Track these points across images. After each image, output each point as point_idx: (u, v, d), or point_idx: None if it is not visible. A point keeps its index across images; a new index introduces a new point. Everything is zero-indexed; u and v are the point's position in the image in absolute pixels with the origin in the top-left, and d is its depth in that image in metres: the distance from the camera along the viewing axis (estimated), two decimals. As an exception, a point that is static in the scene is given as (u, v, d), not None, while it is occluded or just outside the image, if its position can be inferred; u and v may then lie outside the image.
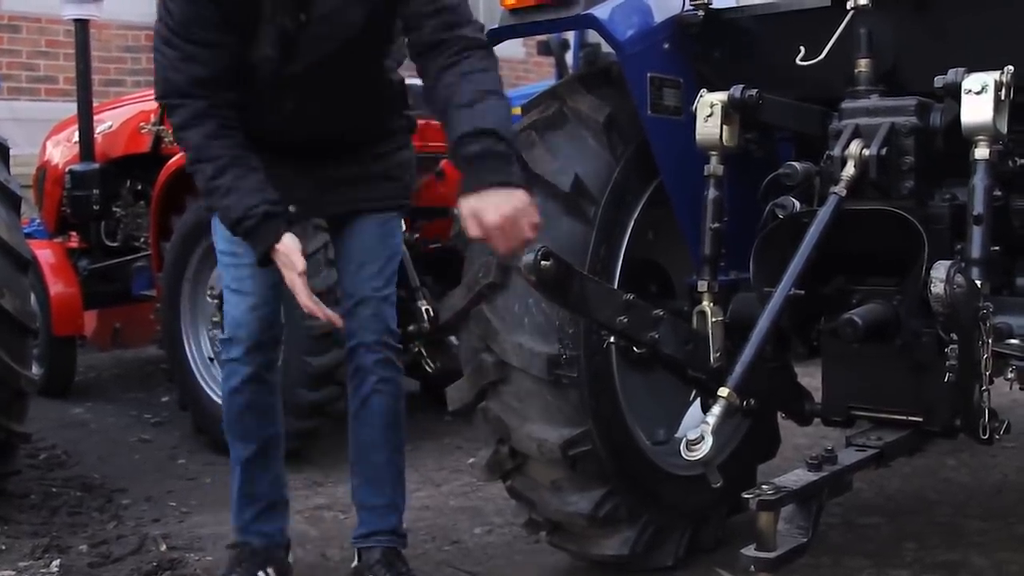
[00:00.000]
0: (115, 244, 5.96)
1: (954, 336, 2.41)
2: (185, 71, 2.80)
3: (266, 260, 2.84)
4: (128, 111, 5.97)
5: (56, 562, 3.59)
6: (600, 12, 2.98)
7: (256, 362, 3.13)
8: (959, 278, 2.19)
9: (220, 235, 3.06)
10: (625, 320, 2.67)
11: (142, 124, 5.68)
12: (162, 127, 5.56)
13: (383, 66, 3.13)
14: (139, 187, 5.83)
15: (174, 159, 5.03)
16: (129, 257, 5.85)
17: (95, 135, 5.82)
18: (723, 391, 2.46)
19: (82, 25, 5.72)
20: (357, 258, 3.18)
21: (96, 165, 5.77)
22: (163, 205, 5.14)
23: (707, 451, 2.36)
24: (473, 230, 2.48)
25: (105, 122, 5.95)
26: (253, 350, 3.11)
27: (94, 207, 5.78)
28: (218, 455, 4.48)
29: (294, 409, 4.41)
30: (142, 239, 5.74)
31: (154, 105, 5.69)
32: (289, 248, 2.80)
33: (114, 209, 5.89)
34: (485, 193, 2.49)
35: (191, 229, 4.84)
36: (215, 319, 4.81)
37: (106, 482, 4.57)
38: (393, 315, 3.23)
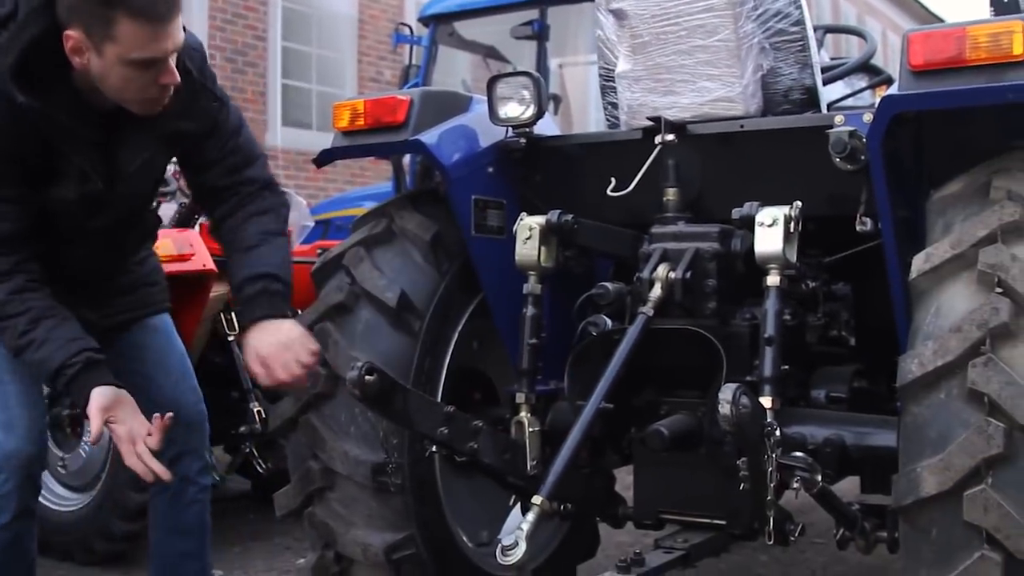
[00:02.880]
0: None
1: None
2: None
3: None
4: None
5: None
6: (427, 138, 3.15)
7: (26, 496, 2.85)
8: (744, 399, 2.38)
9: None
10: (446, 431, 2.80)
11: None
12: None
13: (155, 200, 3.16)
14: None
15: None
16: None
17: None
18: (536, 499, 2.60)
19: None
20: (161, 363, 3.11)
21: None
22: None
23: (520, 556, 2.49)
24: (255, 367, 2.67)
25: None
26: (25, 483, 2.83)
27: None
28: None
29: (121, 511, 4.40)
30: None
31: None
32: (98, 410, 2.56)
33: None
34: (256, 328, 2.72)
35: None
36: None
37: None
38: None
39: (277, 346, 2.67)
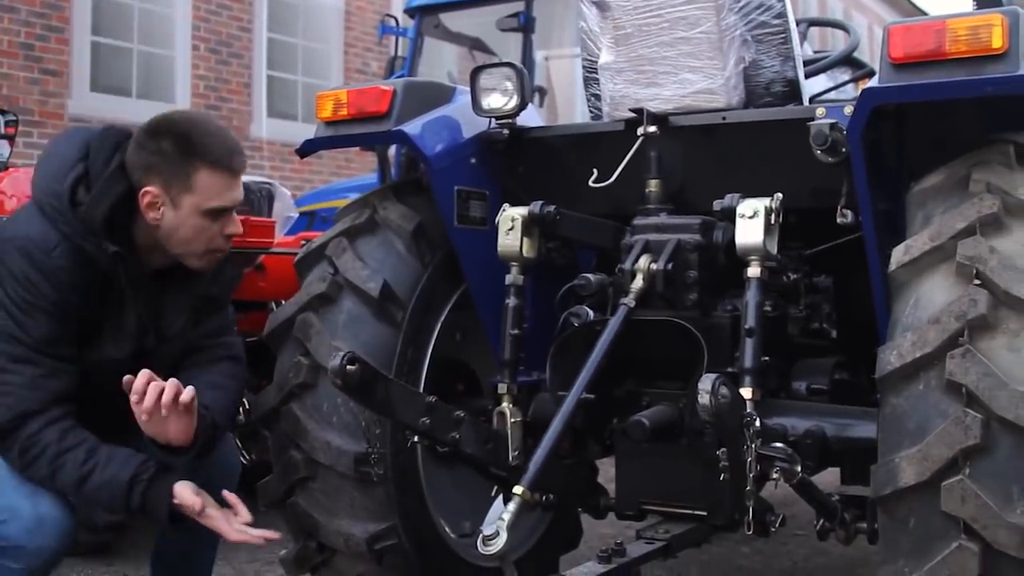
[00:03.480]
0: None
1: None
2: (45, 387, 2.65)
3: (176, 516, 2.67)
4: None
5: None
6: (410, 128, 3.16)
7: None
8: (724, 389, 2.39)
9: None
10: (428, 421, 2.80)
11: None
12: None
13: None
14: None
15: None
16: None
17: None
18: (517, 489, 2.60)
19: None
20: None
21: None
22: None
23: (502, 545, 2.49)
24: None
25: None
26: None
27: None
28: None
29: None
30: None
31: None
32: (188, 503, 2.63)
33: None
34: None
35: None
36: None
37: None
38: None
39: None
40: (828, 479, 3.10)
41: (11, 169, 5.80)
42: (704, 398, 2.35)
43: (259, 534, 2.70)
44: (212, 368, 2.96)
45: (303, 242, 4.40)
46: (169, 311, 2.89)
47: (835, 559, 4.65)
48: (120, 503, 2.66)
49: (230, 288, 3.12)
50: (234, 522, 2.70)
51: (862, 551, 4.53)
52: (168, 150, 2.68)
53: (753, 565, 4.63)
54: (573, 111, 7.50)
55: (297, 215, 6.27)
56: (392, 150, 7.23)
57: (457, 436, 2.90)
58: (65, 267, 2.66)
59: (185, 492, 2.65)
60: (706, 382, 2.36)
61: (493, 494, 3.45)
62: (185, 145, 2.69)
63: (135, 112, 10.13)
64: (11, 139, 5.74)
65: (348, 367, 2.52)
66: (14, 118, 5.83)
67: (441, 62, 8.37)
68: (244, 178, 5.53)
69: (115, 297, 2.75)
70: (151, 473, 2.65)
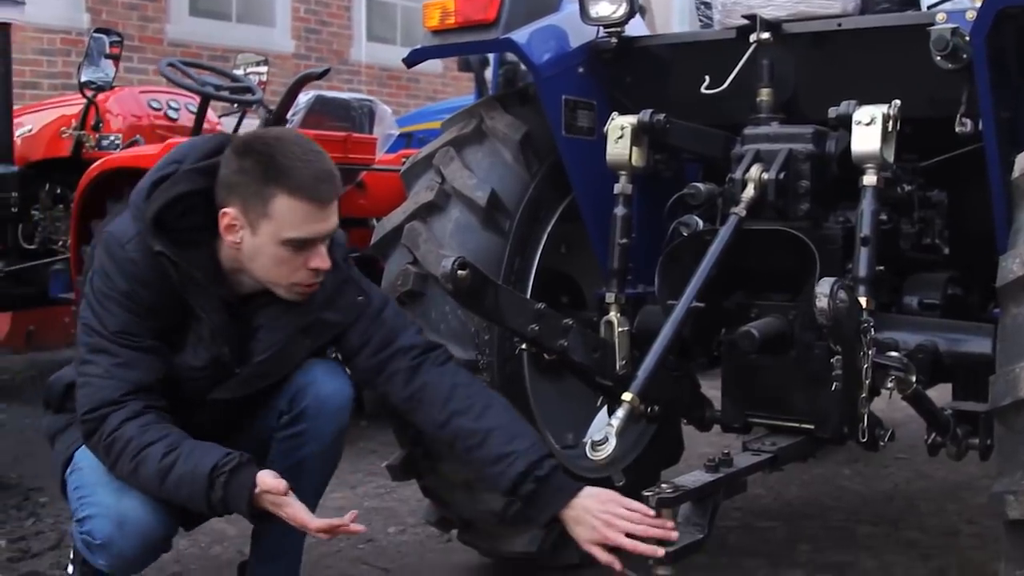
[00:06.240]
0: (33, 247, 5.92)
1: (839, 348, 2.59)
2: (122, 376, 2.55)
3: (260, 515, 2.52)
4: (49, 115, 5.99)
5: (-26, 557, 3.62)
6: (518, 37, 3.13)
7: None
8: (842, 294, 2.35)
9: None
10: (536, 328, 2.79)
11: (63, 128, 5.72)
12: (84, 132, 5.61)
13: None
14: (59, 191, 5.83)
15: (95, 164, 5.09)
16: (47, 260, 5.84)
17: (14, 138, 5.79)
18: (627, 396, 2.61)
19: (3, 28, 5.69)
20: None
21: (15, 168, 5.71)
22: (84, 209, 5.17)
23: (610, 452, 2.50)
24: (602, 557, 2.53)
25: (25, 125, 5.94)
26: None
27: (12, 209, 5.72)
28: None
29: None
30: (60, 242, 5.73)
31: (75, 110, 5.74)
32: (271, 485, 2.47)
33: (32, 212, 5.87)
34: (580, 503, 2.58)
35: (113, 233, 4.87)
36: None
37: (23, 481, 4.59)
38: None
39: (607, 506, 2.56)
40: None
41: (116, 88, 5.91)
42: (822, 301, 2.31)
43: (347, 527, 2.47)
44: (466, 399, 2.75)
45: (403, 160, 4.42)
46: (262, 334, 2.71)
47: (937, 482, 4.61)
48: (201, 497, 2.48)
49: (354, 312, 2.81)
50: (317, 522, 2.47)
51: (964, 475, 4.49)
52: (249, 170, 2.52)
53: (854, 486, 4.61)
54: (670, 28, 7.39)
55: (397, 132, 6.29)
56: (489, 71, 7.18)
57: (565, 344, 2.88)
58: (136, 260, 2.57)
59: (267, 477, 2.48)
60: (824, 286, 2.33)
61: (598, 404, 3.46)
62: (267, 167, 2.50)
63: (234, 37, 10.22)
64: (116, 59, 5.81)
65: (459, 272, 2.51)
66: (118, 38, 5.91)
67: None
68: (346, 95, 5.59)
69: (188, 296, 2.63)
70: (234, 463, 2.47)
